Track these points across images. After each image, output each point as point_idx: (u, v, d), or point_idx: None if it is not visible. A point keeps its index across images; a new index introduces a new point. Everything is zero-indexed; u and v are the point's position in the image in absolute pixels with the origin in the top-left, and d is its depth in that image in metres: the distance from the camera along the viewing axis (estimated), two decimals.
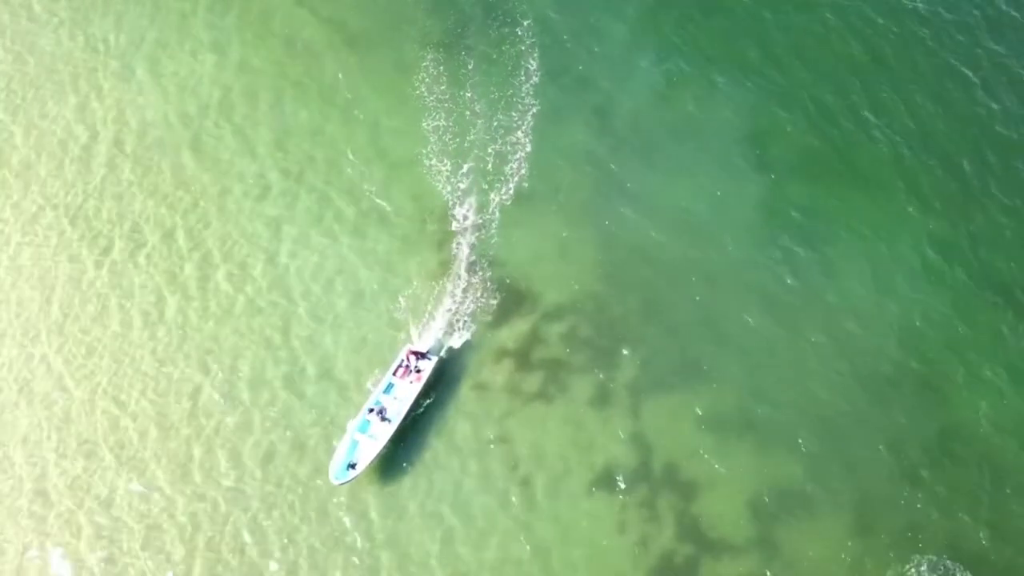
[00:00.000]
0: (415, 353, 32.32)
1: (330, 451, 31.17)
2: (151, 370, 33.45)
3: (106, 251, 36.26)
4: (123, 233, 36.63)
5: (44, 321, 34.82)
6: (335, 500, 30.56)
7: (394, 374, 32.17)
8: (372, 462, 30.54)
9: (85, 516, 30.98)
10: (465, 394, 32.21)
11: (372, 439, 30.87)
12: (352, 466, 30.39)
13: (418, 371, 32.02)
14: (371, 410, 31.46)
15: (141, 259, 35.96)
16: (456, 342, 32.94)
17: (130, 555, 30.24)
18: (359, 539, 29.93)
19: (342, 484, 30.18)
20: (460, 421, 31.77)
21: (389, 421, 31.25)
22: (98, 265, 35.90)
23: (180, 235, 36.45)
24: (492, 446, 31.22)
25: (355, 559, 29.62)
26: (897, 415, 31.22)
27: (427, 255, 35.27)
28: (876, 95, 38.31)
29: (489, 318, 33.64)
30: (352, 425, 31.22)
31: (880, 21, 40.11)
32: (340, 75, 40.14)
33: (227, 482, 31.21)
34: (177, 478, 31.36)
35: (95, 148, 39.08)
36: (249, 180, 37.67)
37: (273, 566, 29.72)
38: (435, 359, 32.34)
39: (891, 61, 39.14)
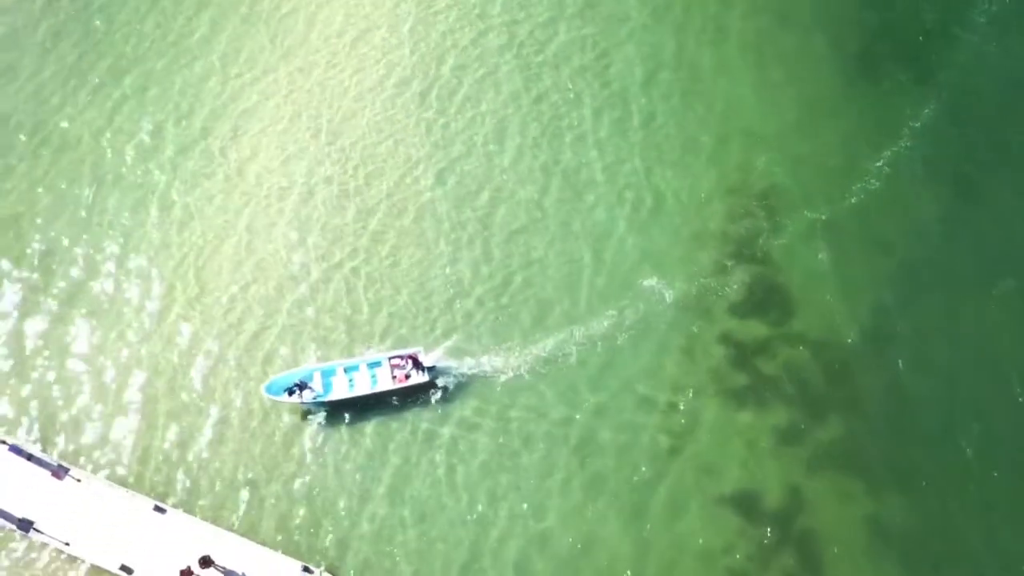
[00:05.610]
0: (415, 360, 30.86)
1: None
2: None
3: None
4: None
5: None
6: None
7: (390, 360, 31.08)
8: (305, 404, 30.24)
9: None
10: (665, 352, 31.95)
11: (323, 388, 30.38)
12: (291, 392, 30.01)
13: (407, 376, 30.76)
14: (345, 368, 30.85)
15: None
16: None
17: None
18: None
19: (269, 397, 30.12)
20: (642, 371, 31.70)
21: (352, 386, 30.57)
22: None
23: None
24: (661, 410, 31.03)
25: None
26: None
27: (711, 222, 34.56)
28: None
29: (732, 303, 32.89)
30: (323, 364, 30.94)
31: None
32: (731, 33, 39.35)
33: None
34: None
35: None
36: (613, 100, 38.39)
37: None
38: (426, 379, 30.70)
39: None
